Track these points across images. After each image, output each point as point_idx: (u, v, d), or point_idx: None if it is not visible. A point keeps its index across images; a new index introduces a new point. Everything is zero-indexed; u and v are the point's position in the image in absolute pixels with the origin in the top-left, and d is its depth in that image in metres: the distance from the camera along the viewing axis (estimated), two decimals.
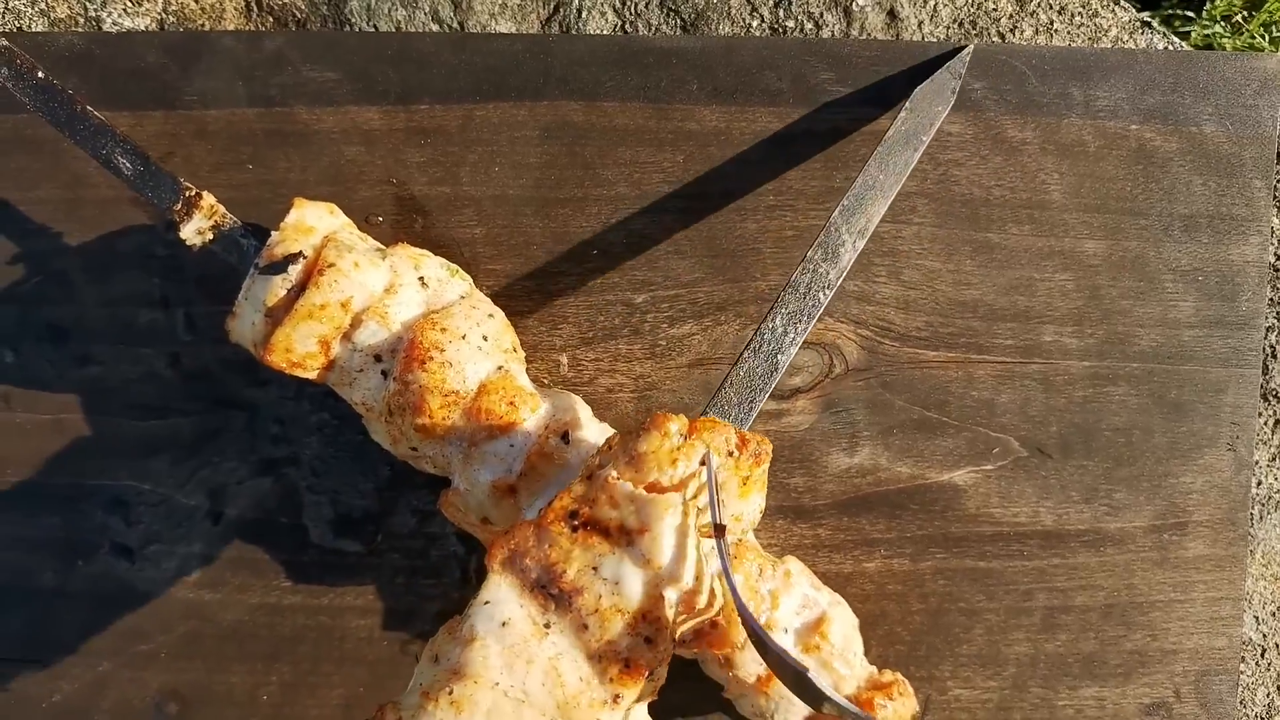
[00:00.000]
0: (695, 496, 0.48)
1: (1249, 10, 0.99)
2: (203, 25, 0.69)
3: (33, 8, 0.69)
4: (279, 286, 0.54)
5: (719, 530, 0.47)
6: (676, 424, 0.48)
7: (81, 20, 0.69)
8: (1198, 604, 0.66)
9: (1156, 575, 0.66)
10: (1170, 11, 1.00)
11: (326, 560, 0.64)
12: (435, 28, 0.68)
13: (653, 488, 0.47)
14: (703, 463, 0.48)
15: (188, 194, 0.57)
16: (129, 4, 0.69)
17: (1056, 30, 0.70)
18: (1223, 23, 0.98)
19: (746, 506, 0.50)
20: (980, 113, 0.63)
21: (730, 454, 0.49)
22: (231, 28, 0.69)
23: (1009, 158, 0.64)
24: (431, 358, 0.53)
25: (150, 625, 0.64)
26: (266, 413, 0.64)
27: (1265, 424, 0.73)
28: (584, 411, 0.57)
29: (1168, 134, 0.64)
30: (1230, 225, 0.65)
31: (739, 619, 0.50)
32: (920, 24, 0.69)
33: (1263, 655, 0.74)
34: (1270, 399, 0.72)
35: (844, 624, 0.59)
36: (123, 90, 0.63)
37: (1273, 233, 0.71)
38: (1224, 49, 0.98)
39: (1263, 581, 0.73)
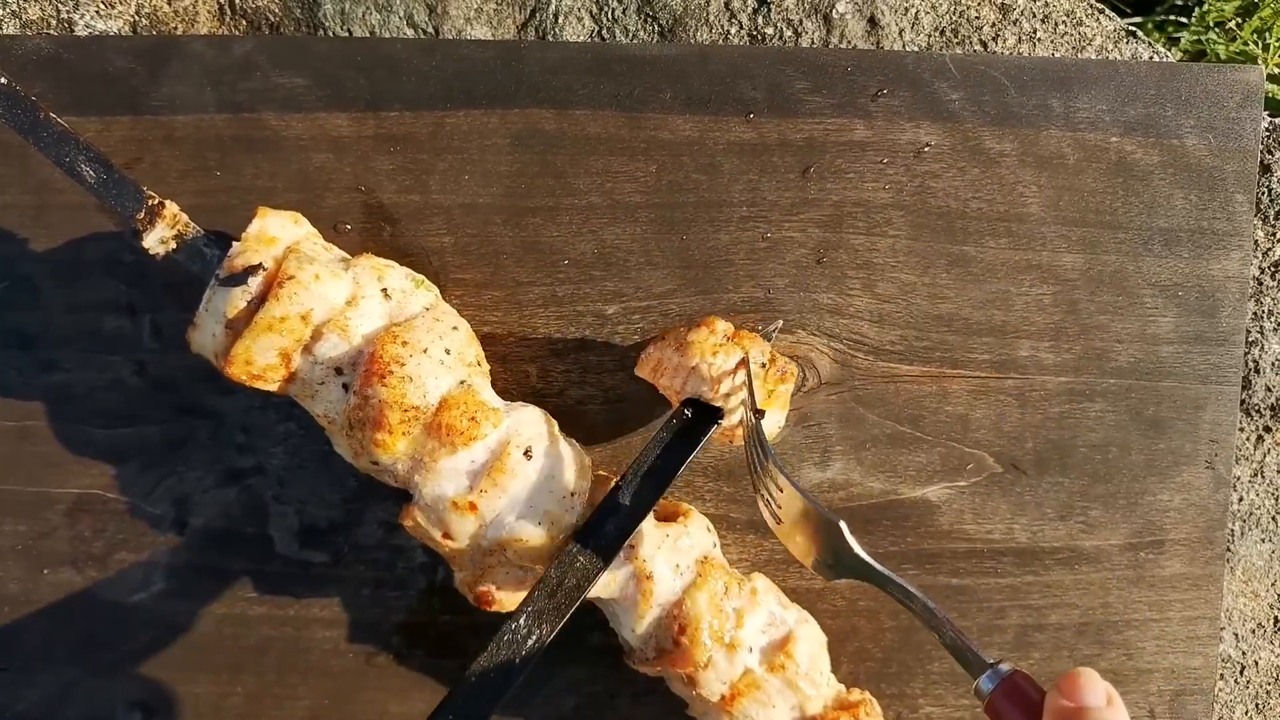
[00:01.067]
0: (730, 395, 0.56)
1: (1242, 16, 0.98)
2: (175, 28, 0.68)
3: (4, 9, 0.68)
4: (239, 298, 0.54)
5: (758, 413, 0.54)
6: (723, 325, 0.57)
7: (54, 22, 0.68)
8: (1174, 623, 0.65)
9: (1132, 594, 0.65)
10: (1164, 17, 0.98)
11: (292, 571, 0.64)
12: (410, 32, 0.68)
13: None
14: (742, 363, 0.55)
15: (151, 203, 0.56)
16: (102, 6, 0.68)
17: (1040, 39, 0.69)
18: (1216, 29, 0.97)
19: (769, 419, 0.57)
20: (958, 124, 0.63)
21: (762, 365, 0.56)
22: (205, 31, 0.68)
23: (987, 169, 0.63)
24: (391, 371, 0.53)
25: (115, 634, 0.63)
26: (233, 422, 0.63)
27: (1247, 439, 0.72)
28: (549, 426, 0.57)
29: (1149, 147, 0.63)
30: (1211, 240, 0.64)
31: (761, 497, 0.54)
32: (901, 31, 0.68)
33: (1241, 672, 0.73)
34: (1253, 414, 0.72)
35: (810, 642, 0.58)
36: (91, 94, 0.63)
37: (1256, 245, 0.70)
38: (1217, 55, 0.97)
39: (1243, 598, 0.73)
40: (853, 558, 0.51)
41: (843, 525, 0.50)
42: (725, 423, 0.56)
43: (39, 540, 0.63)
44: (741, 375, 0.56)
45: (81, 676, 0.64)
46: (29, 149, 0.60)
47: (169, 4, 0.68)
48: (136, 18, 0.68)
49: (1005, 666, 0.48)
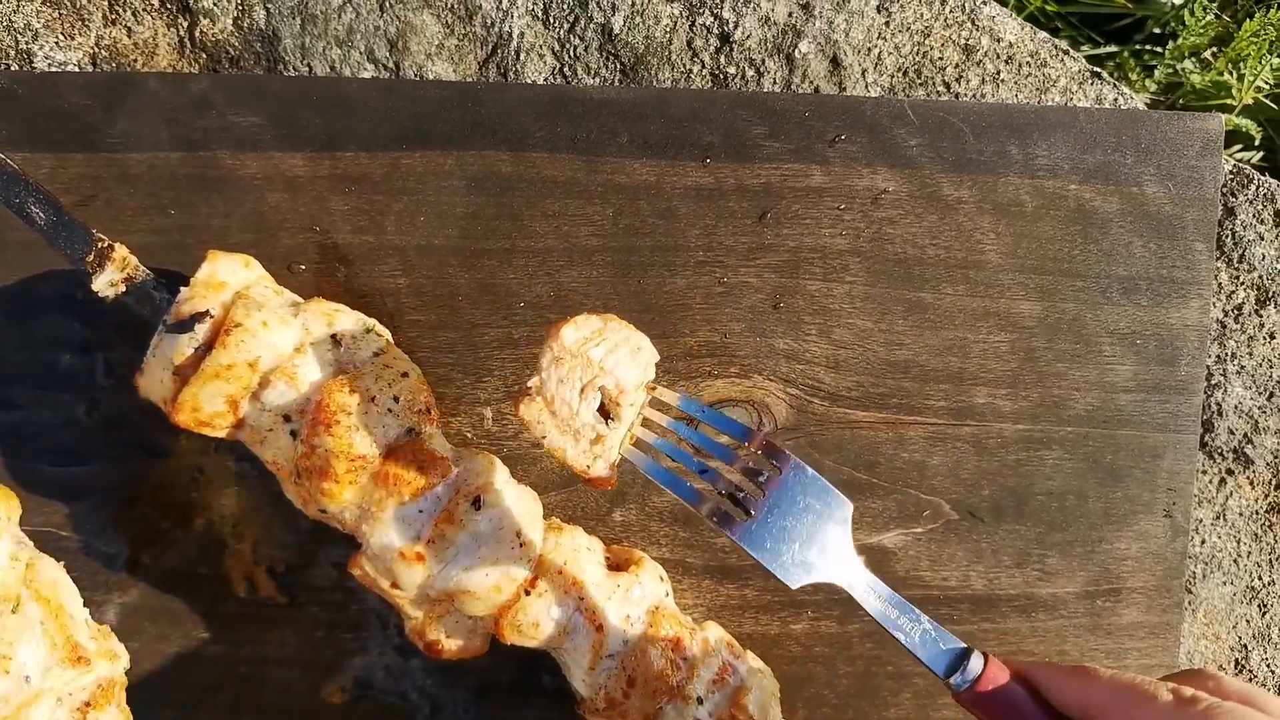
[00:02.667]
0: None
1: (1217, 46, 0.98)
2: (135, 61, 0.68)
3: None
4: (186, 345, 0.53)
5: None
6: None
7: (13, 53, 0.68)
8: (1131, 670, 0.65)
9: (1089, 641, 0.65)
10: (1139, 47, 0.98)
11: (247, 611, 0.63)
12: (371, 68, 0.67)
13: None
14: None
15: (100, 245, 0.56)
16: (61, 37, 0.68)
17: (1004, 80, 0.69)
18: (1191, 59, 0.97)
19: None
20: (916, 170, 0.62)
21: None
22: (164, 64, 0.67)
23: (944, 216, 0.62)
24: (338, 421, 0.52)
25: None
26: (187, 461, 0.63)
27: (1210, 482, 0.71)
28: (499, 474, 0.56)
29: (1108, 194, 0.63)
30: (1170, 288, 0.64)
31: None
32: (864, 72, 0.68)
33: None
34: (1215, 457, 0.71)
35: (762, 692, 0.58)
36: (45, 131, 0.62)
37: (1220, 289, 0.70)
38: (1192, 85, 0.97)
39: (1204, 641, 0.72)
40: (844, 549, 0.50)
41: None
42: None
43: None
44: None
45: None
46: None
47: (128, 36, 0.68)
48: (96, 49, 0.68)
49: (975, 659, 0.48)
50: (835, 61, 0.68)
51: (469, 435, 0.62)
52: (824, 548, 0.50)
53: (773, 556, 0.49)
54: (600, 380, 0.51)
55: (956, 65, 0.68)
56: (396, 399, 0.55)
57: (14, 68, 0.66)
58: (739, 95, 0.63)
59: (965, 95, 0.68)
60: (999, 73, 0.69)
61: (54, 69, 0.66)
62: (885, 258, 0.62)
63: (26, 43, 0.68)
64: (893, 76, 0.68)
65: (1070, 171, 0.63)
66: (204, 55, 0.68)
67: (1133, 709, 0.44)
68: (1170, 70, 0.96)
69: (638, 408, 0.52)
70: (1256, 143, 0.94)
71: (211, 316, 0.54)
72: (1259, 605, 0.73)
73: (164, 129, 0.62)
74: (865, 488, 0.63)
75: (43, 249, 0.63)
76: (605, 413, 0.51)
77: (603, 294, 0.62)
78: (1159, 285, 0.63)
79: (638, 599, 0.57)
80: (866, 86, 0.68)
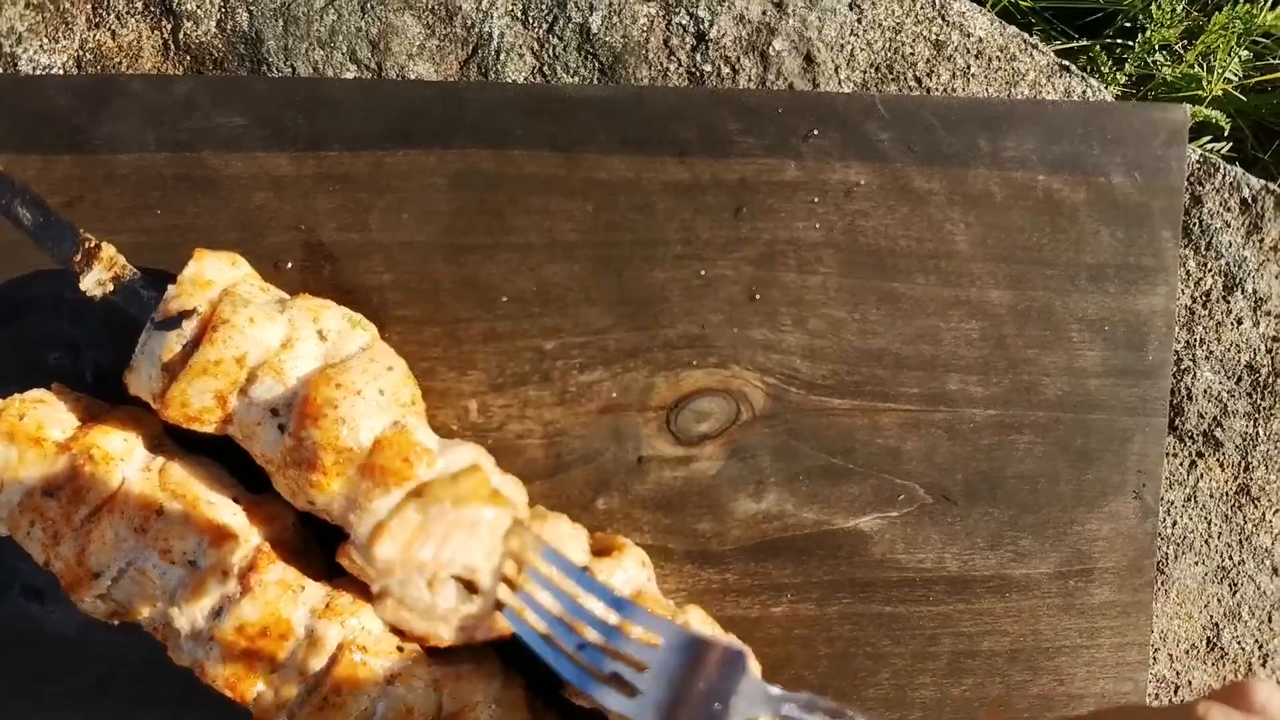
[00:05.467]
0: None
1: (1188, 39, 1.00)
2: (119, 63, 0.69)
3: None
4: (174, 342, 0.55)
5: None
6: None
7: None
8: (1104, 649, 0.67)
9: (1062, 621, 0.66)
10: (1110, 40, 1.00)
11: None
12: (353, 68, 0.68)
13: None
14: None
15: (87, 245, 0.57)
16: (45, 41, 0.69)
17: (974, 75, 0.70)
18: (1162, 52, 0.99)
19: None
20: (887, 163, 0.64)
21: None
22: (149, 66, 0.68)
23: (915, 208, 0.64)
24: (325, 414, 0.54)
25: (62, 667, 0.64)
26: None
27: (1180, 465, 0.73)
28: (485, 463, 0.58)
29: (1075, 184, 0.65)
30: (1138, 275, 0.65)
31: None
32: (837, 68, 0.69)
33: (1176, 692, 0.75)
34: (1185, 440, 0.73)
35: None
36: (32, 133, 0.63)
37: (1189, 275, 0.72)
38: (1163, 78, 0.98)
39: (1176, 620, 0.74)
40: (753, 690, 0.47)
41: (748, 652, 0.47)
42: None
43: None
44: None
45: (30, 710, 0.64)
46: None
47: (113, 39, 0.69)
48: (80, 52, 0.69)
49: None
50: (809, 58, 0.69)
51: (454, 428, 0.64)
52: (726, 696, 0.47)
53: None
54: (443, 572, 0.50)
55: (927, 60, 0.70)
56: (382, 392, 0.56)
57: None
58: (715, 92, 0.64)
59: (936, 90, 0.70)
60: (969, 67, 0.70)
61: (39, 72, 0.67)
62: (858, 249, 0.64)
63: (10, 46, 0.68)
64: (865, 72, 0.70)
65: (1038, 163, 0.64)
66: (188, 58, 0.69)
67: None
68: (1140, 63, 0.97)
69: (500, 568, 0.53)
70: (1226, 133, 0.96)
71: (199, 313, 0.55)
72: (1229, 584, 0.74)
73: (150, 130, 0.63)
74: (842, 473, 0.65)
75: (30, 249, 0.64)
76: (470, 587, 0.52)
77: (584, 287, 0.63)
78: (1126, 273, 0.65)
79: (621, 584, 0.58)
80: (840, 83, 0.69)
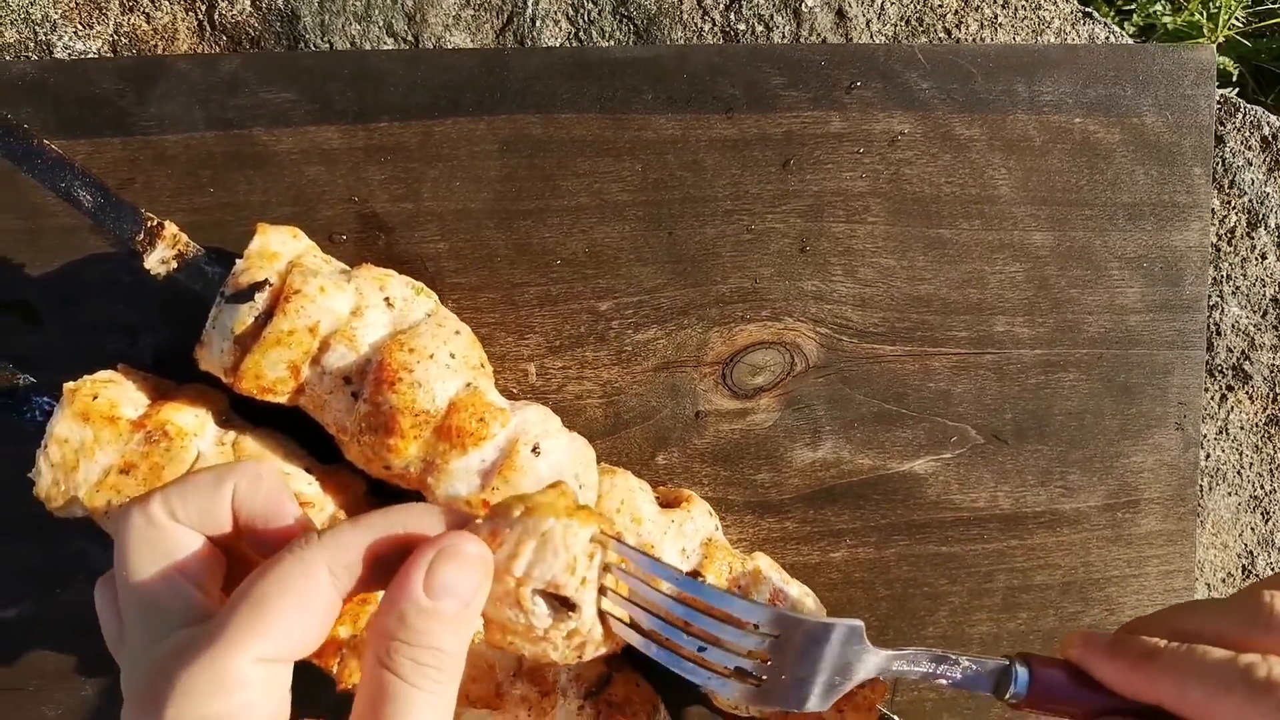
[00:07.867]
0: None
1: None
2: (155, 46, 0.69)
3: None
4: (246, 314, 0.55)
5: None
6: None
7: (32, 44, 0.69)
8: (1151, 577, 0.69)
9: (1111, 552, 0.68)
10: None
11: None
12: (390, 41, 0.69)
13: None
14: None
15: (149, 224, 0.58)
16: (80, 27, 0.69)
17: (1001, 24, 0.72)
18: (1164, 3, 1.00)
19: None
20: (928, 112, 0.65)
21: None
22: (184, 48, 0.69)
23: (957, 155, 0.65)
24: (400, 379, 0.54)
25: None
26: None
27: (1212, 399, 0.75)
28: (553, 422, 0.59)
29: (1110, 126, 0.66)
30: (1172, 212, 0.67)
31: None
32: (869, 22, 0.70)
33: None
34: (1216, 374, 0.75)
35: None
36: (78, 117, 0.63)
37: (1213, 214, 0.74)
38: (1165, 28, 1.00)
39: (1213, 550, 0.76)
40: (867, 658, 0.50)
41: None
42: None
43: (51, 560, 0.64)
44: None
45: (98, 694, 0.65)
46: (17, 173, 0.60)
47: (147, 22, 0.69)
48: (115, 37, 0.69)
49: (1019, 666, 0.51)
50: (840, 13, 0.70)
51: (515, 391, 0.65)
52: (846, 667, 0.50)
53: (796, 704, 0.49)
54: (526, 588, 0.43)
55: (956, 11, 0.71)
56: (453, 355, 0.57)
57: (34, 59, 0.67)
58: (757, 48, 0.65)
59: (965, 40, 0.71)
60: (996, 17, 0.72)
61: (75, 58, 0.67)
62: (904, 197, 0.65)
63: (45, 34, 0.68)
64: (895, 25, 0.71)
65: (1074, 106, 0.66)
66: (224, 37, 0.69)
67: (1208, 705, 0.43)
68: (1145, 14, 0.99)
69: (592, 575, 0.45)
70: (1234, 79, 0.98)
71: (270, 285, 0.55)
72: (1262, 513, 0.77)
73: (197, 109, 0.63)
74: (895, 418, 0.66)
75: (82, 234, 0.64)
76: (565, 603, 0.44)
77: (636, 247, 0.64)
78: (1161, 210, 0.67)
79: (691, 533, 0.60)
80: (871, 36, 0.70)
